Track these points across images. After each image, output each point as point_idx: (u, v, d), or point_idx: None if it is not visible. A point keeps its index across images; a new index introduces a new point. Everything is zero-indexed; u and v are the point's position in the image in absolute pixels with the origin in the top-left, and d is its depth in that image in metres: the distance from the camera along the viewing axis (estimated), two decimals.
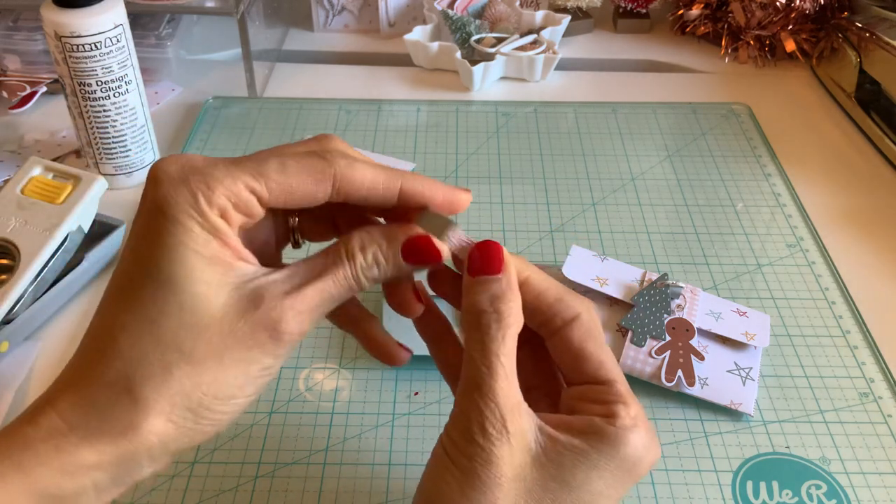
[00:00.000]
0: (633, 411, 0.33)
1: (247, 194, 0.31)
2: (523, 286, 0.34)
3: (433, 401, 0.50)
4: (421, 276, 0.37)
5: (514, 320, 0.33)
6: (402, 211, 0.35)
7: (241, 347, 0.30)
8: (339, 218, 0.37)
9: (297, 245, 0.38)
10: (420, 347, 0.51)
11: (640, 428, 0.33)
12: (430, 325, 0.38)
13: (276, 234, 0.37)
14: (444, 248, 0.34)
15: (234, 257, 0.31)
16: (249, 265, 0.32)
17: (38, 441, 0.29)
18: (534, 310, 0.35)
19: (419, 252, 0.33)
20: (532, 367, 0.37)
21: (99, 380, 0.30)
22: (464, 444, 0.31)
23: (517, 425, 0.32)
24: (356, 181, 0.32)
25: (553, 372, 0.37)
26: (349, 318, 0.38)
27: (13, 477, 0.28)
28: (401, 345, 0.38)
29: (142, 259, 0.30)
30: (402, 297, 0.37)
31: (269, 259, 0.36)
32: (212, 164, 0.31)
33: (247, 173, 0.31)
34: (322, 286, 0.32)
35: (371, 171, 0.33)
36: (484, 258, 0.34)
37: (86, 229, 0.55)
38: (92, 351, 0.31)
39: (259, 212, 0.32)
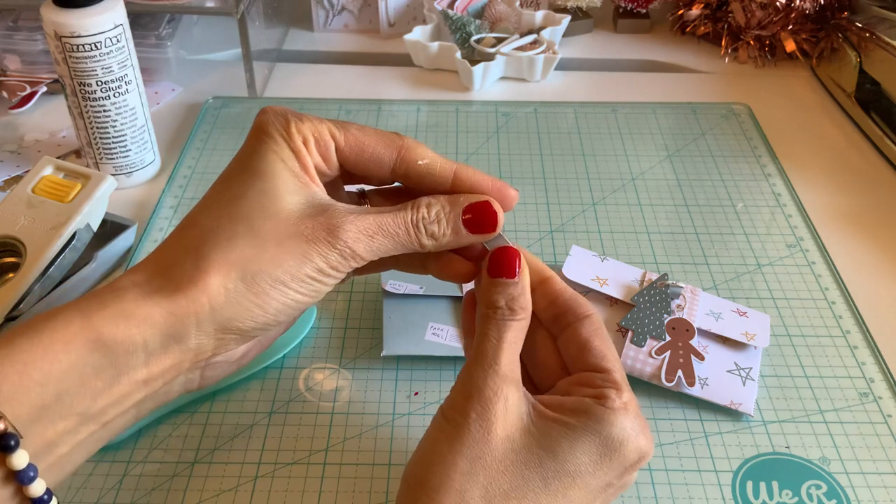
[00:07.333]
0: (624, 397, 0.35)
1: (327, 136, 0.37)
2: (543, 284, 0.39)
3: (433, 401, 0.50)
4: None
5: (524, 316, 0.37)
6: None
7: (301, 239, 0.34)
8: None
9: None
10: (417, 347, 0.51)
11: (629, 413, 0.35)
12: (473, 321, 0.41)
13: None
14: (502, 220, 0.38)
15: (310, 181, 0.36)
16: (322, 191, 0.37)
17: (104, 293, 0.33)
18: (550, 305, 0.39)
19: (478, 218, 0.37)
20: (529, 363, 0.40)
21: (173, 245, 0.35)
22: (462, 403, 0.34)
23: (514, 394, 0.34)
24: (418, 154, 0.37)
25: (548, 369, 0.40)
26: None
27: (74, 318, 0.32)
28: (467, 261, 0.41)
29: (239, 160, 0.36)
30: (451, 268, 0.41)
31: None
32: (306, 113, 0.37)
33: (332, 122, 0.37)
34: (382, 219, 0.36)
35: (432, 152, 0.38)
36: (502, 263, 0.37)
37: (95, 227, 0.55)
38: (176, 230, 0.36)
39: (333, 160, 0.37)
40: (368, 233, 0.35)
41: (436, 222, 0.37)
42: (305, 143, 0.36)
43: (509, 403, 0.34)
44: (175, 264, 0.34)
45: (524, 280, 0.37)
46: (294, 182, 0.35)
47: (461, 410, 0.34)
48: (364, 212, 0.36)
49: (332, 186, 0.39)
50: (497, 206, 0.38)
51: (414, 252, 0.37)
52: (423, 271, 0.42)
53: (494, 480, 0.33)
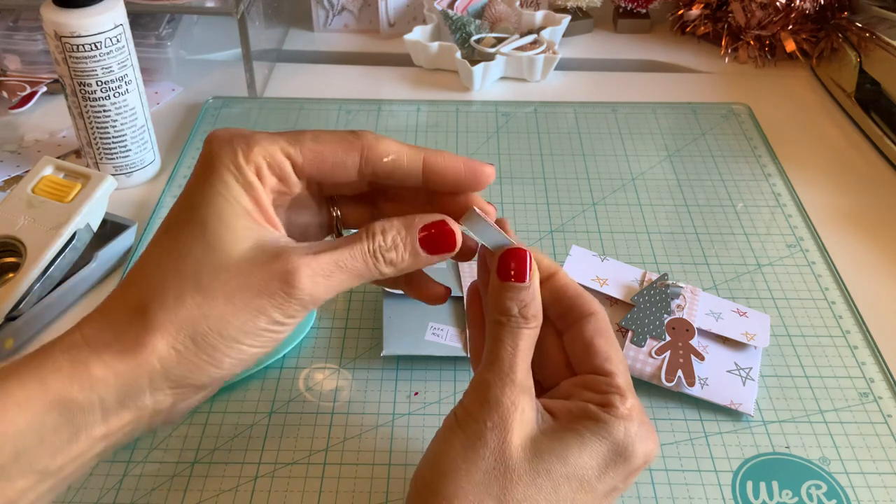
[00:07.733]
0: (628, 403, 0.35)
1: (281, 157, 0.35)
2: (549, 280, 0.38)
3: (433, 401, 0.50)
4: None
5: (536, 323, 0.36)
6: (442, 203, 0.38)
7: (253, 293, 0.33)
8: (381, 207, 0.40)
9: (339, 235, 0.40)
10: (417, 347, 0.51)
11: (633, 419, 0.35)
12: (478, 313, 0.41)
13: (320, 223, 0.40)
14: (459, 238, 0.36)
15: (263, 219, 0.34)
16: (275, 231, 0.35)
17: (57, 352, 0.32)
18: (556, 301, 0.38)
19: (435, 239, 0.36)
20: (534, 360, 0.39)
21: (120, 302, 0.33)
22: (477, 410, 0.34)
23: (529, 405, 0.34)
24: (381, 149, 0.36)
25: (552, 367, 0.39)
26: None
27: (29, 380, 0.31)
28: (439, 283, 0.42)
29: (185, 204, 0.34)
30: (425, 290, 0.41)
31: None
32: (256, 132, 0.35)
33: (284, 139, 0.35)
34: (339, 255, 0.34)
35: (396, 143, 0.36)
36: (513, 267, 0.36)
37: (95, 228, 0.55)
38: (125, 282, 0.34)
39: (293, 179, 0.35)
40: (325, 273, 0.34)
41: (393, 249, 0.35)
42: (258, 172, 0.34)
43: (525, 415, 0.34)
44: (125, 323, 0.33)
45: (535, 284, 0.36)
46: (243, 227, 0.33)
47: (476, 417, 0.34)
48: (318, 249, 0.34)
49: (300, 203, 0.38)
50: (453, 224, 0.36)
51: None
52: (395, 287, 0.42)
53: (508, 490, 0.33)
